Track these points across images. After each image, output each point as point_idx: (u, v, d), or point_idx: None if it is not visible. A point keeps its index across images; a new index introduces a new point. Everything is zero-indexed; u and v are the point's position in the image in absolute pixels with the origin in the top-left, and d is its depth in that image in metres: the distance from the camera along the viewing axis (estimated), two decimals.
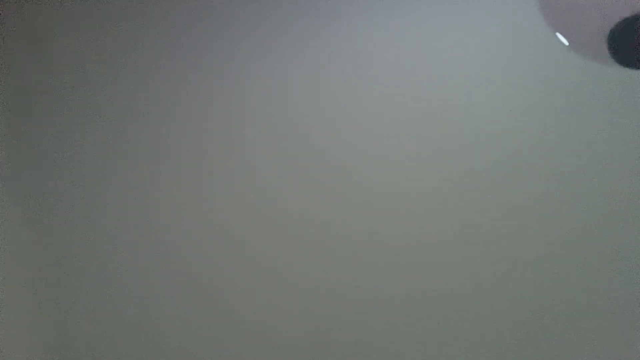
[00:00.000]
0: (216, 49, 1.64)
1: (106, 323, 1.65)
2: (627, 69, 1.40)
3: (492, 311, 1.50)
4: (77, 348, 1.65)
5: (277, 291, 1.58)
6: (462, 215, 1.52)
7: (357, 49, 1.58)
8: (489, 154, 1.51)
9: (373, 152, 1.56)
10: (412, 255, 1.53)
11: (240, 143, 1.62)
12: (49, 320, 1.66)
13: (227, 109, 1.63)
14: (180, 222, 1.63)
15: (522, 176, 1.50)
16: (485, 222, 1.51)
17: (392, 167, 1.55)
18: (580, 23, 0.99)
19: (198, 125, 1.64)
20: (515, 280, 1.49)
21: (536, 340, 1.48)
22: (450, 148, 1.53)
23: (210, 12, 1.66)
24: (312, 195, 1.58)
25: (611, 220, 1.46)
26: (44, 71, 1.71)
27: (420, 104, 1.54)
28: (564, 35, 1.03)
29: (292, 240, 1.58)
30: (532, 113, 1.50)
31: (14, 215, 1.64)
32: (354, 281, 1.55)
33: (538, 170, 1.49)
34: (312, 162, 1.58)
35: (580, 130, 1.48)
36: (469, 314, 1.50)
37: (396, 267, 1.53)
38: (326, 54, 1.59)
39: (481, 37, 1.52)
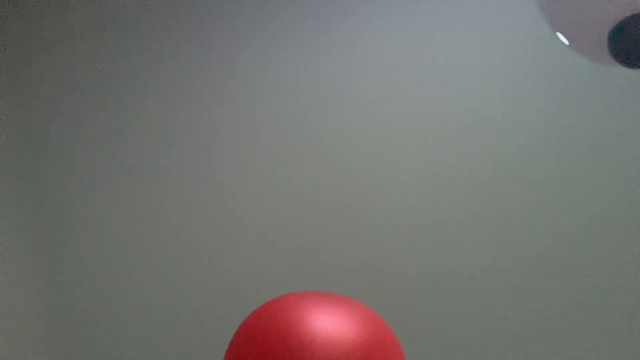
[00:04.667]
0: (221, 48, 1.65)
1: (109, 323, 1.65)
2: (627, 69, 1.40)
3: (490, 310, 1.50)
4: (77, 345, 1.66)
5: (285, 290, 1.58)
6: (462, 212, 1.52)
7: (360, 49, 1.58)
8: (489, 154, 1.51)
9: (376, 149, 1.56)
10: (411, 247, 1.53)
11: (245, 140, 1.62)
12: (48, 318, 1.66)
13: (232, 108, 1.63)
14: (184, 222, 1.63)
15: (522, 175, 1.50)
16: (483, 220, 1.51)
17: (393, 164, 1.55)
18: (580, 23, 0.99)
19: (203, 125, 1.64)
20: (512, 278, 1.50)
21: (536, 338, 1.48)
22: (452, 147, 1.53)
23: (215, 11, 1.66)
24: (317, 191, 1.58)
25: (610, 219, 1.47)
26: (48, 71, 1.71)
27: (422, 104, 1.55)
28: (564, 35, 1.03)
29: (299, 237, 1.58)
30: (532, 113, 1.50)
31: (14, 212, 1.64)
32: (358, 275, 1.55)
33: (537, 170, 1.49)
34: (318, 158, 1.58)
35: (580, 130, 1.48)
36: (468, 314, 1.51)
37: (396, 259, 1.54)
38: (330, 52, 1.60)
39: (481, 37, 1.53)
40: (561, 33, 1.03)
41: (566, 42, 1.04)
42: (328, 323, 1.16)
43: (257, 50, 1.63)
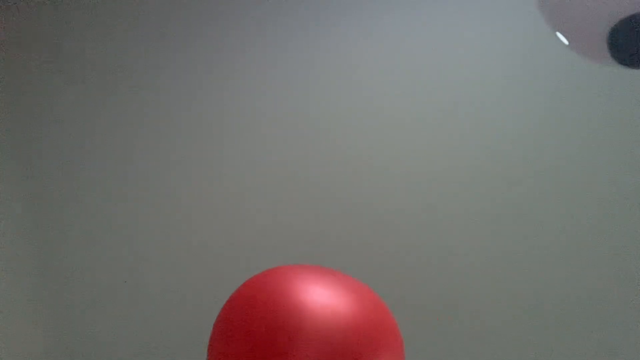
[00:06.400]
0: (224, 49, 1.65)
1: (109, 321, 1.65)
2: (627, 69, 1.40)
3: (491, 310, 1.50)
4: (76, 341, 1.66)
5: None
6: (460, 211, 1.52)
7: (363, 48, 1.58)
8: (487, 154, 1.51)
9: (378, 147, 1.56)
10: (412, 238, 1.53)
11: (249, 141, 1.62)
12: (49, 316, 1.66)
13: (236, 108, 1.63)
14: (186, 222, 1.63)
15: (521, 175, 1.50)
16: (481, 220, 1.51)
17: (393, 162, 1.55)
18: (580, 23, 0.99)
19: (205, 125, 1.64)
20: (509, 269, 1.50)
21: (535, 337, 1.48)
22: (452, 147, 1.53)
23: (218, 12, 1.66)
24: (320, 190, 1.58)
25: (610, 219, 1.47)
26: (47, 72, 1.71)
27: (422, 104, 1.55)
28: (564, 35, 1.03)
29: (305, 235, 1.59)
30: (532, 112, 1.50)
31: (15, 212, 1.64)
32: (366, 271, 1.55)
33: (537, 170, 1.49)
34: (320, 158, 1.59)
35: (580, 130, 1.48)
36: (467, 318, 1.51)
37: (400, 252, 1.54)
38: (332, 50, 1.60)
39: (481, 37, 1.53)
40: (561, 33, 1.03)
41: (566, 42, 1.04)
42: (321, 295, 1.06)
43: (261, 50, 1.63)
